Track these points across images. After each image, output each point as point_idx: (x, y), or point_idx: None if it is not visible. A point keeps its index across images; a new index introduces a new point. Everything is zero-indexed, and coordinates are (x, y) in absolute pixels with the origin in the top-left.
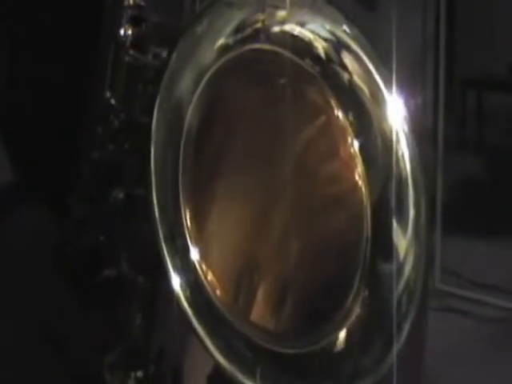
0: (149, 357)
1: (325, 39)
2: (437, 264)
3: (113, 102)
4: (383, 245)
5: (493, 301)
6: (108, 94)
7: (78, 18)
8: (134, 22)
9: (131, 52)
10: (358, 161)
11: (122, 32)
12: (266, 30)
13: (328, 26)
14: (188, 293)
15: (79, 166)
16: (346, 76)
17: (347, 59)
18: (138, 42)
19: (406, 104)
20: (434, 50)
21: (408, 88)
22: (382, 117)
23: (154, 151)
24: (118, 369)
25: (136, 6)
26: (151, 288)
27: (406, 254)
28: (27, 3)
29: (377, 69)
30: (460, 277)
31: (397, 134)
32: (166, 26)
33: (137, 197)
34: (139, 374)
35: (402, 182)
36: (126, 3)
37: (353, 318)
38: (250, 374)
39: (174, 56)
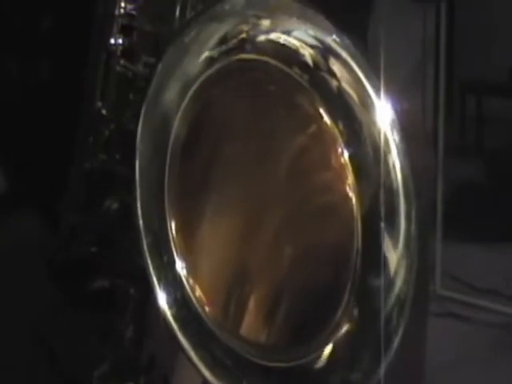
0: (139, 368)
1: (311, 46)
2: (437, 269)
3: (104, 111)
4: (374, 257)
5: (494, 306)
6: (99, 104)
7: (68, 27)
8: (125, 31)
9: (122, 61)
10: (349, 171)
11: (112, 41)
12: (251, 40)
13: (312, 32)
14: (174, 309)
15: (71, 176)
16: (334, 83)
17: (335, 66)
18: (128, 52)
19: (398, 112)
20: (434, 54)
21: (403, 95)
22: (372, 124)
23: (140, 162)
24: (108, 381)
25: (127, 15)
26: (142, 299)
27: (397, 267)
28: (18, 13)
29: (366, 75)
30: (461, 282)
31: (387, 144)
32: (157, 35)
33: (129, 207)
34: None
35: (393, 193)
36: (116, 12)
37: (342, 331)
38: None
39: (160, 66)
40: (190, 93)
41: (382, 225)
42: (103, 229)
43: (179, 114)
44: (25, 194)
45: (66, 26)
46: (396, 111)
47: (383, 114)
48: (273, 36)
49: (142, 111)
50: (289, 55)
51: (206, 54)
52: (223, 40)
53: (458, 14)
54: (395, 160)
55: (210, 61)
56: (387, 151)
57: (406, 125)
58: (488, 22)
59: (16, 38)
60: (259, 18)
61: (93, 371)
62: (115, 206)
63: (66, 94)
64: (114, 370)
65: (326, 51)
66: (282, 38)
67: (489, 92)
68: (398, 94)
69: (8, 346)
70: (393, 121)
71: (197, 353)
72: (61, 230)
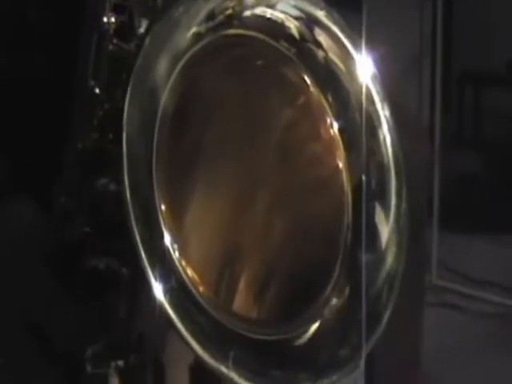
0: (130, 347)
1: (295, 18)
2: (434, 259)
3: (97, 90)
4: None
5: (490, 297)
6: (92, 83)
7: (60, 6)
8: (118, 10)
9: (114, 40)
10: (338, 143)
11: (105, 20)
12: (237, 15)
13: (294, 2)
14: (169, 294)
15: (64, 156)
16: (321, 53)
17: (321, 37)
18: (121, 31)
19: (392, 96)
20: (431, 45)
21: (399, 82)
22: (360, 93)
23: (127, 137)
24: (99, 358)
25: None
26: (134, 279)
27: (387, 242)
28: None
29: (352, 44)
30: (457, 272)
31: (378, 118)
32: (149, 13)
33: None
34: (120, 363)
35: (383, 167)
36: None
37: (332, 306)
38: (225, 360)
39: (148, 41)
40: (179, 67)
41: (374, 196)
42: (96, 209)
43: (167, 88)
44: (19, 176)
45: (59, 5)
46: (390, 94)
47: (365, 70)
48: (258, 11)
49: (130, 85)
50: (275, 29)
51: (193, 29)
52: (210, 16)
53: (455, 3)
54: (386, 134)
55: (198, 36)
56: (378, 125)
57: (400, 110)
58: (487, 14)
59: (7, 19)
60: None
61: (85, 351)
62: (108, 186)
63: (58, 73)
64: (106, 349)
65: (310, 22)
66: (268, 12)
67: (487, 83)
68: (394, 81)
69: (1, 328)
70: (383, 93)
71: (187, 327)
72: (54, 212)
